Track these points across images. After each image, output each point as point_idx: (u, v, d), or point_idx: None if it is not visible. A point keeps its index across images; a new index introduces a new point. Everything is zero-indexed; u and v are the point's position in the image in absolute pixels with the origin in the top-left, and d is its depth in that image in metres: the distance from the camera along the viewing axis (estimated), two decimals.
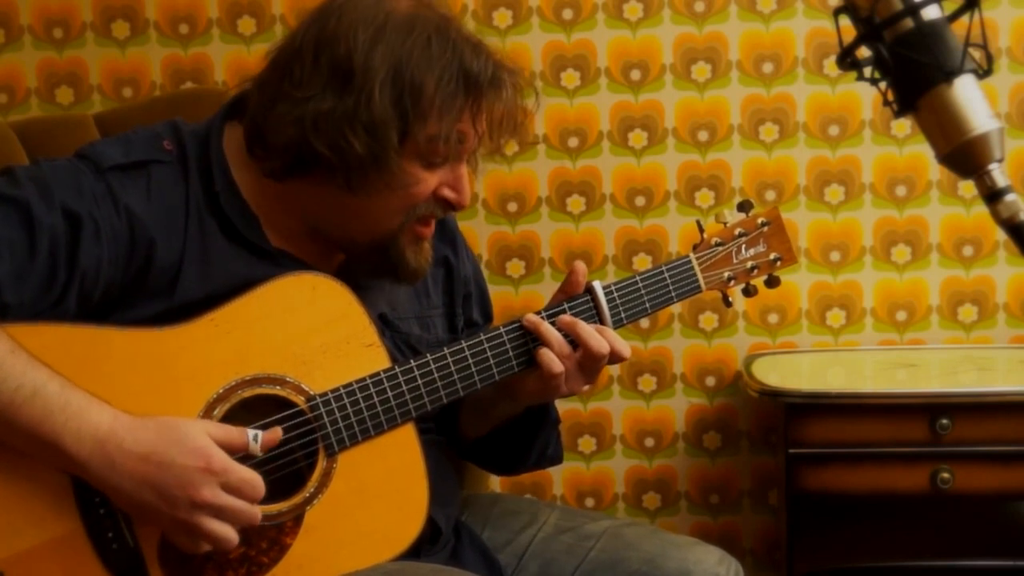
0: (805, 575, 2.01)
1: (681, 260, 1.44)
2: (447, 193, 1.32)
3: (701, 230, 1.47)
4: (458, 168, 1.33)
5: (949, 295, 2.23)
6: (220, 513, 1.18)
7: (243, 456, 1.21)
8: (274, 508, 1.25)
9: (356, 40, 1.25)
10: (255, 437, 1.21)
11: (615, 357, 1.36)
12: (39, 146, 1.64)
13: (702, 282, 1.45)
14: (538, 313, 1.37)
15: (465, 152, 1.33)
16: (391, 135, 1.24)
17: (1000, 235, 2.17)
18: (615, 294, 1.40)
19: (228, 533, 1.19)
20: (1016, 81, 2.16)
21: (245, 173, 1.33)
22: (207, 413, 1.24)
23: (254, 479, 1.20)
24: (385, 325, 1.40)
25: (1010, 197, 0.91)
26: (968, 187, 2.18)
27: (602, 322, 1.38)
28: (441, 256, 1.51)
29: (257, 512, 1.20)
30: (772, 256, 1.49)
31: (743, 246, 1.47)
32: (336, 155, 1.25)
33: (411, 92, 1.24)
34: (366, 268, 1.37)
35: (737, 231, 1.47)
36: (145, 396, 1.21)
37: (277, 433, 1.23)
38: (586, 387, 1.40)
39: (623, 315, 1.40)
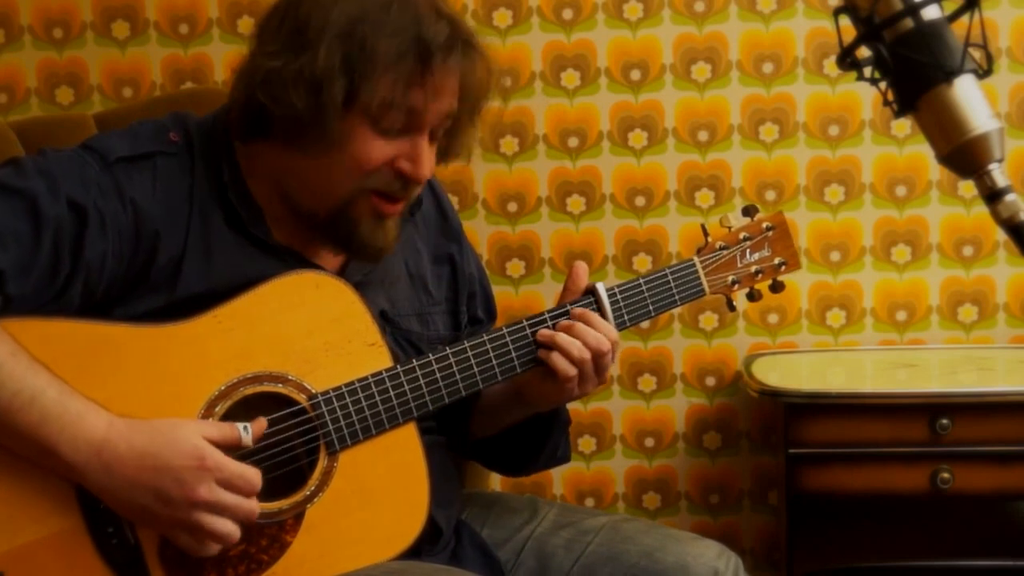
0: (805, 575, 2.02)
1: (685, 263, 1.44)
2: (403, 164, 1.29)
3: (705, 234, 1.47)
4: (418, 140, 1.29)
5: (949, 295, 2.23)
6: (218, 510, 1.18)
7: (243, 453, 1.22)
8: (275, 506, 1.25)
9: (319, 2, 1.25)
10: (245, 428, 1.21)
11: (613, 347, 1.36)
12: (39, 146, 1.64)
13: (706, 286, 1.45)
14: (541, 315, 1.37)
15: (423, 124, 1.29)
16: (334, 93, 1.23)
17: (1000, 235, 2.17)
18: (618, 296, 1.40)
19: (229, 529, 1.19)
20: (1016, 81, 2.17)
21: (251, 165, 1.34)
22: (209, 410, 1.24)
23: (249, 473, 1.20)
24: (385, 322, 1.40)
25: (1010, 197, 0.91)
26: (968, 187, 2.18)
27: None
28: (446, 253, 1.51)
29: (255, 506, 1.21)
30: (777, 261, 1.49)
31: (748, 250, 1.47)
32: (279, 110, 1.25)
33: (360, 51, 1.23)
34: (329, 245, 1.35)
35: (742, 235, 1.47)
36: (147, 393, 1.21)
37: (262, 422, 1.23)
38: (598, 385, 1.39)
39: (626, 317, 1.40)
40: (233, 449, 1.21)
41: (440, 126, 1.32)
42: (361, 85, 1.23)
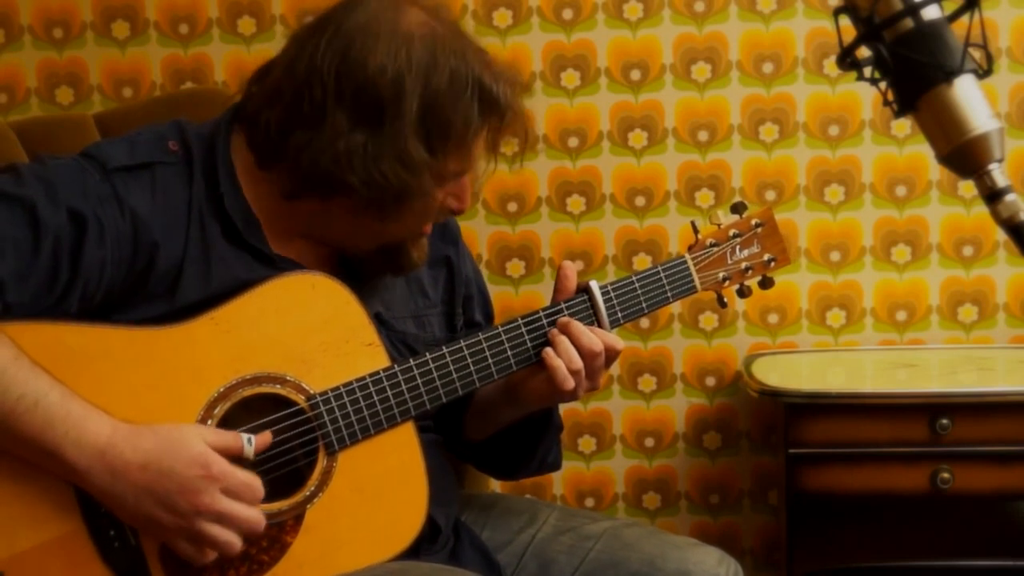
0: (805, 575, 2.02)
1: (677, 260, 1.45)
2: (451, 203, 1.37)
3: (696, 231, 1.48)
4: (465, 180, 1.37)
5: (949, 295, 2.23)
6: (222, 518, 1.18)
7: (239, 459, 1.22)
8: (275, 507, 1.25)
9: (384, 73, 1.25)
10: (249, 440, 1.21)
11: (610, 353, 1.37)
12: (39, 146, 1.65)
13: (697, 282, 1.46)
14: (535, 313, 1.37)
15: (474, 171, 1.37)
16: (424, 170, 1.28)
17: (1000, 235, 2.17)
18: (612, 294, 1.41)
19: (231, 539, 1.19)
20: (1016, 81, 2.17)
21: (250, 179, 1.34)
22: (208, 412, 1.24)
23: (252, 481, 1.20)
24: (381, 324, 1.40)
25: (1010, 197, 0.91)
26: (968, 187, 2.18)
27: (599, 322, 1.39)
28: (443, 256, 1.51)
29: (260, 516, 1.21)
30: (766, 257, 1.50)
31: (737, 247, 1.48)
32: (369, 188, 1.27)
33: (439, 131, 1.28)
34: (366, 266, 1.40)
35: (731, 232, 1.48)
36: (145, 395, 1.21)
37: (267, 436, 1.24)
38: (590, 390, 1.40)
39: (620, 315, 1.41)
40: (234, 458, 1.21)
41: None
42: (440, 158, 1.29)
